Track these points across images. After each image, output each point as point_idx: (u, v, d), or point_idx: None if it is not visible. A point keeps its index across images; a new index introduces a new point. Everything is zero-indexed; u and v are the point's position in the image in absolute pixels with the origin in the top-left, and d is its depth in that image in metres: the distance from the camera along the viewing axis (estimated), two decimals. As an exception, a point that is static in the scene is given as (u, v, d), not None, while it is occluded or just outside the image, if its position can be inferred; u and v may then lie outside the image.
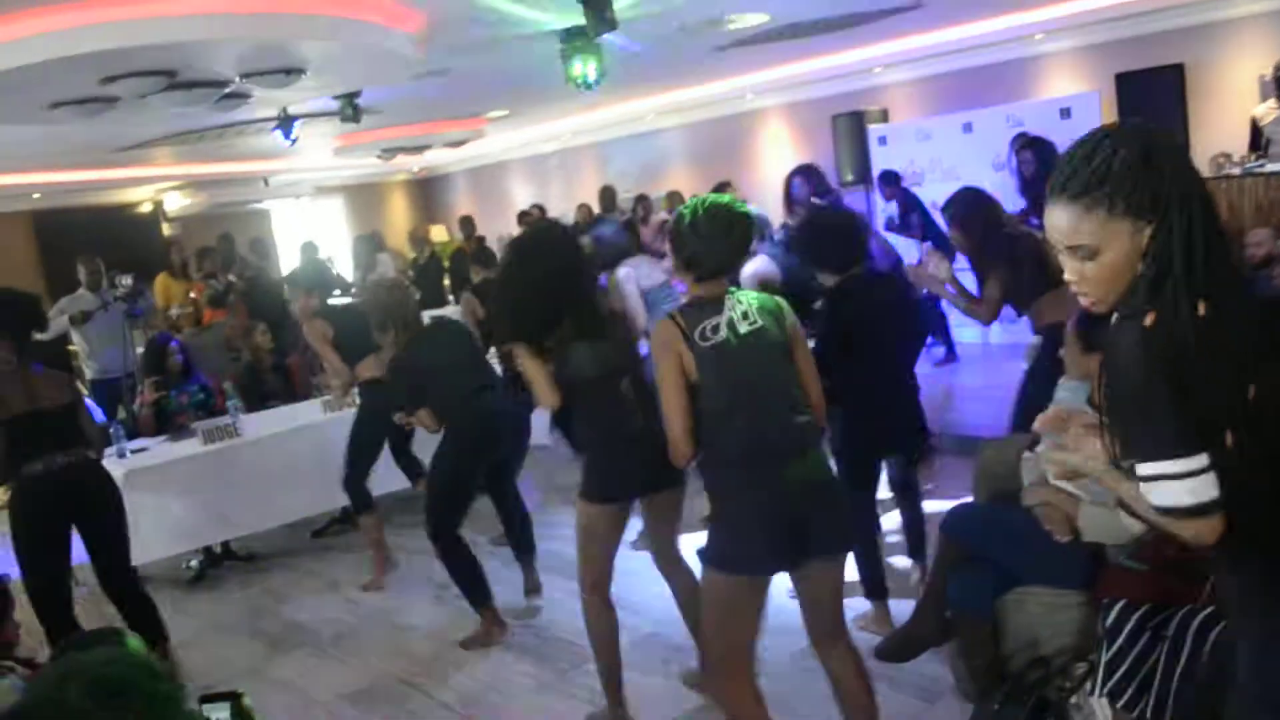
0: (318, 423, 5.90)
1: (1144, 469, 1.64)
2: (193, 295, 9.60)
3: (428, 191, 18.10)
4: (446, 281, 11.07)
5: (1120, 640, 2.58)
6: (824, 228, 4.15)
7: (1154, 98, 9.12)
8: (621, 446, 3.37)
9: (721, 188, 9.24)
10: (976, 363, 8.37)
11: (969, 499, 3.74)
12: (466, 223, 12.25)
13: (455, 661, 4.45)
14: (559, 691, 4.04)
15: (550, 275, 3.40)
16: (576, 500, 3.51)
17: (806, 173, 6.26)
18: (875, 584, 4.06)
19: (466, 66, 7.75)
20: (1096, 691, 2.60)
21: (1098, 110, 8.78)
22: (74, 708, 1.12)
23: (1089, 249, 1.67)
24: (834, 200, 6.33)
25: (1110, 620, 2.62)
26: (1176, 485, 1.60)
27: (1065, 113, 8.80)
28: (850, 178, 10.82)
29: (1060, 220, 1.69)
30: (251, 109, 7.45)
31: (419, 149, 12.46)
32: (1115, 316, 1.70)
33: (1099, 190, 1.64)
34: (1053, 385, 3.44)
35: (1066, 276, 1.74)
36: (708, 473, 2.81)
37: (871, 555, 4.05)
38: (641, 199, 11.39)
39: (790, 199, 6.30)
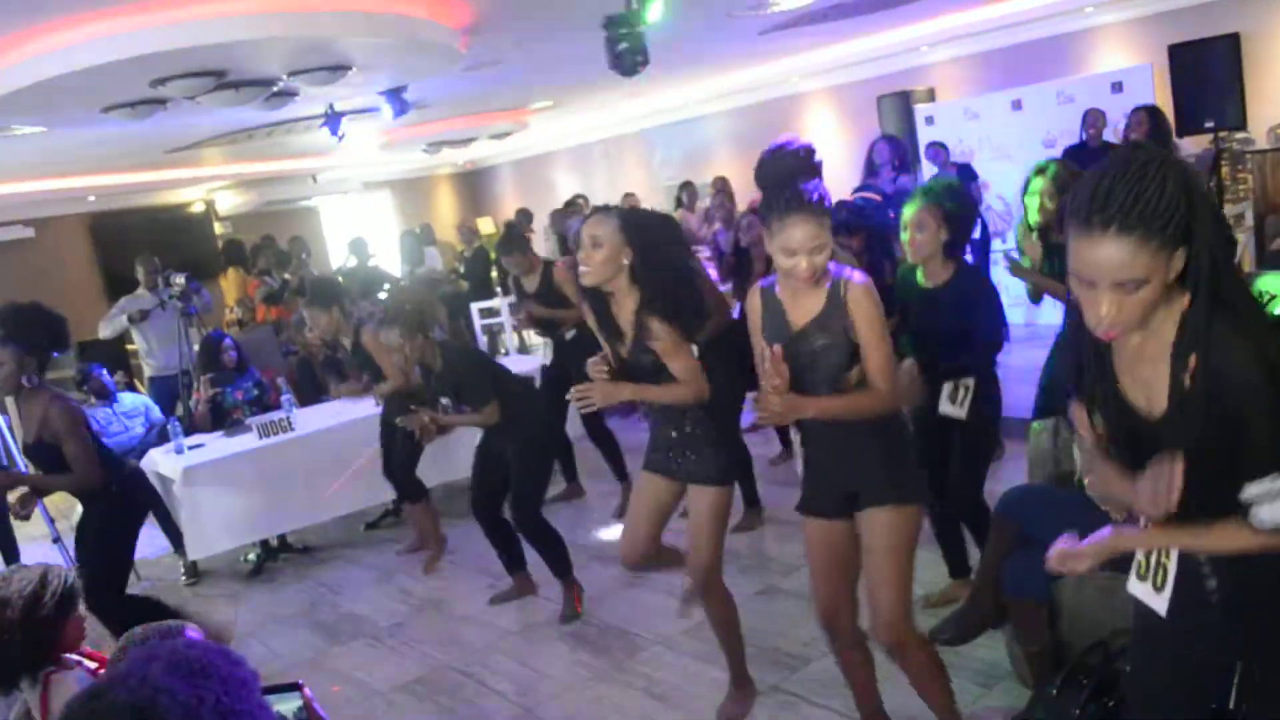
0: (370, 415, 5.96)
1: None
2: (248, 292, 9.77)
3: (474, 184, 18.18)
4: (494, 274, 11.13)
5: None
6: None
7: (1209, 69, 8.89)
8: None
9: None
10: (1022, 344, 8.22)
11: (1023, 482, 3.69)
12: (522, 214, 12.17)
13: (509, 651, 4.48)
14: (615, 681, 4.04)
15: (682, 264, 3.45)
16: (709, 490, 3.38)
17: (892, 141, 6.45)
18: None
19: (512, 59, 7.77)
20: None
21: (1150, 83, 8.59)
22: (158, 684, 1.14)
23: (1139, 281, 1.64)
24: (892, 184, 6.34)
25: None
26: None
27: (1117, 86, 8.62)
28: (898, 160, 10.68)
29: (1112, 254, 1.63)
30: (299, 106, 7.52)
31: (464, 142, 12.52)
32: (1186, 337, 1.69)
33: (1154, 224, 1.60)
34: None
35: (1103, 311, 1.68)
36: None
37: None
38: (686, 185, 11.36)
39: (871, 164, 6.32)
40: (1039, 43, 10.32)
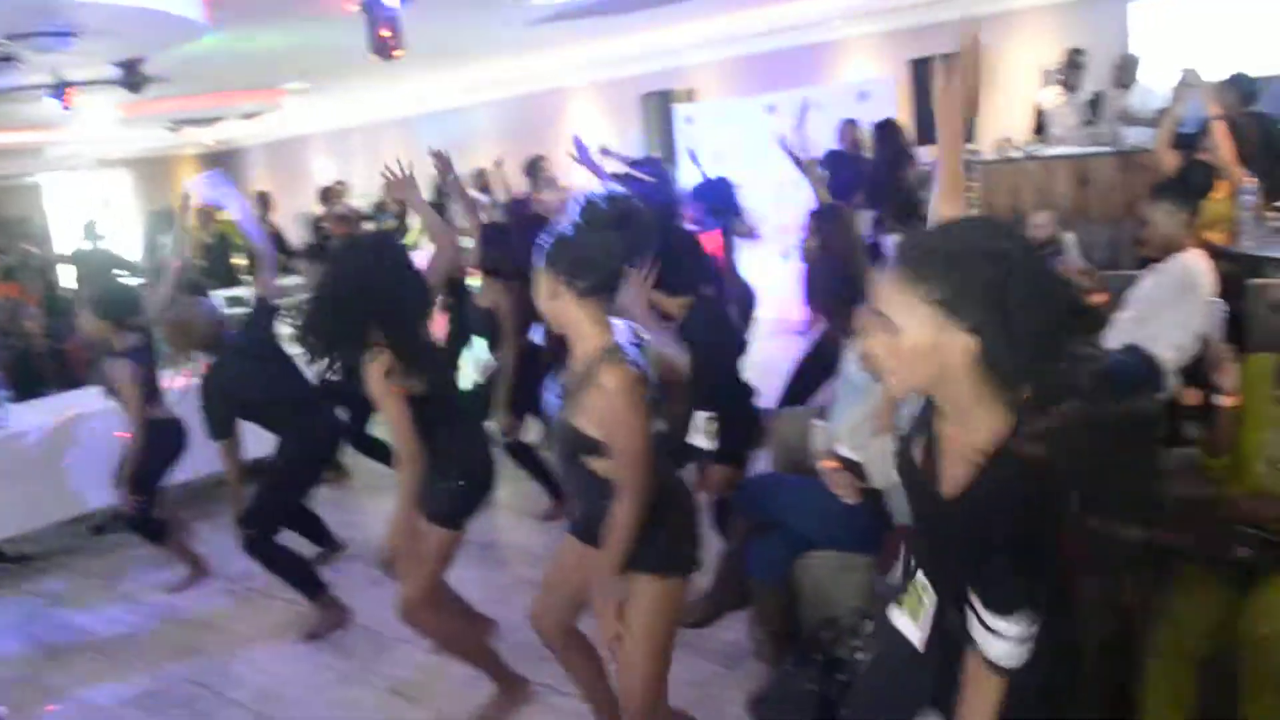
0: (95, 411, 5.49)
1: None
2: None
3: (222, 166, 17.23)
4: (244, 260, 10.52)
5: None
6: None
7: (944, 83, 9.52)
8: None
9: (534, 163, 9.15)
10: (772, 338, 8.54)
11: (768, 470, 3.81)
12: (263, 199, 11.65)
13: (248, 658, 4.24)
14: (361, 682, 3.89)
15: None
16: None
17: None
18: None
19: (263, 35, 7.38)
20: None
21: (893, 94, 9.11)
22: None
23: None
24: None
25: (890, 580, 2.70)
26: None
27: (863, 96, 9.10)
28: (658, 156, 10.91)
29: None
30: (21, 73, 6.88)
31: (211, 121, 11.85)
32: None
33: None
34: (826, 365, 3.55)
35: None
36: None
37: None
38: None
39: None
40: (792, 50, 10.78)
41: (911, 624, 1.84)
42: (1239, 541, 2.57)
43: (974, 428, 1.59)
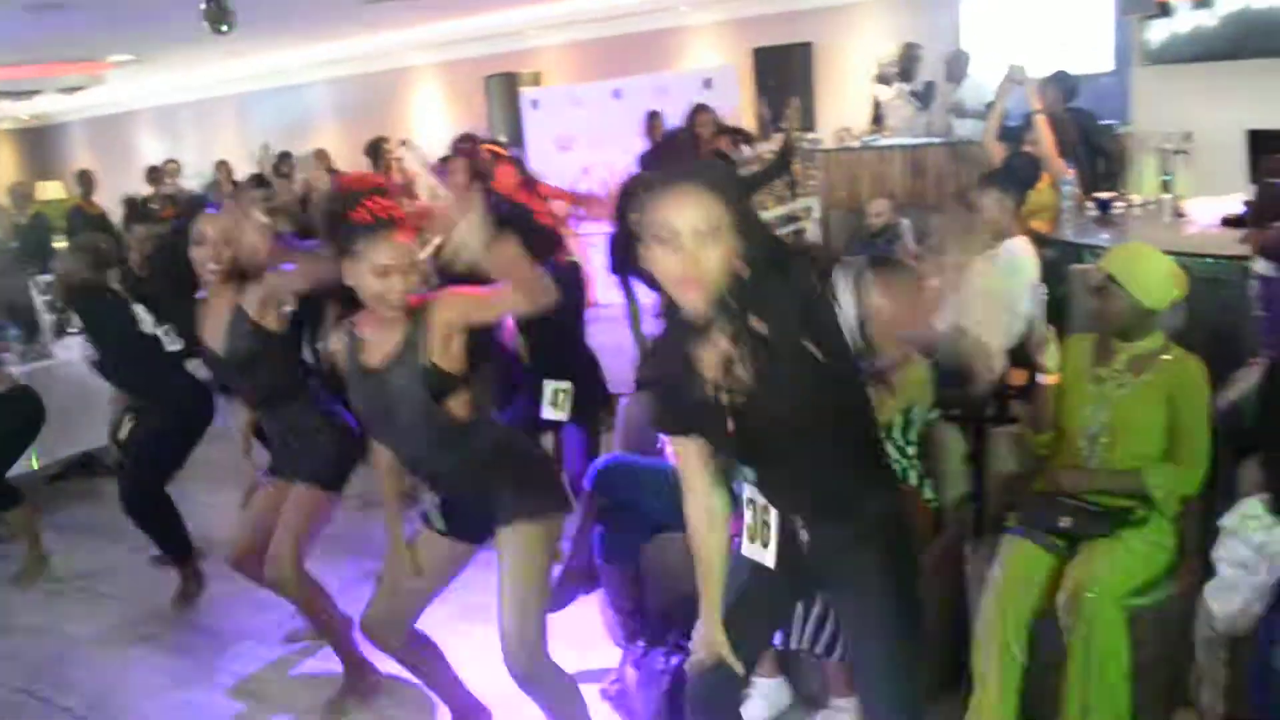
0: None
1: None
2: None
3: (40, 142, 16.30)
4: (63, 243, 9.93)
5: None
6: None
7: (787, 72, 9.77)
8: None
9: (375, 145, 8.94)
10: (605, 321, 8.56)
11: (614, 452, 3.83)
12: (84, 178, 10.99)
13: (79, 662, 4.02)
14: (202, 683, 3.75)
15: None
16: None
17: None
18: None
19: (84, 2, 6.98)
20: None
21: (737, 82, 9.26)
22: None
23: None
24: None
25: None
26: None
27: (708, 83, 9.21)
28: (504, 140, 10.79)
29: None
30: None
31: (27, 94, 11.14)
32: None
33: None
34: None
35: None
36: None
37: None
38: (285, 156, 10.80)
39: None
40: (639, 36, 10.84)
41: (761, 549, 2.05)
42: (1060, 512, 2.72)
43: None
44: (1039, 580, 2.64)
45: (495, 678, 2.76)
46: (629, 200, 1.85)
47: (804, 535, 2.02)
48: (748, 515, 2.10)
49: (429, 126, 11.81)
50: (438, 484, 2.72)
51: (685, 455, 2.07)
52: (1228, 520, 2.60)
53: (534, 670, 2.59)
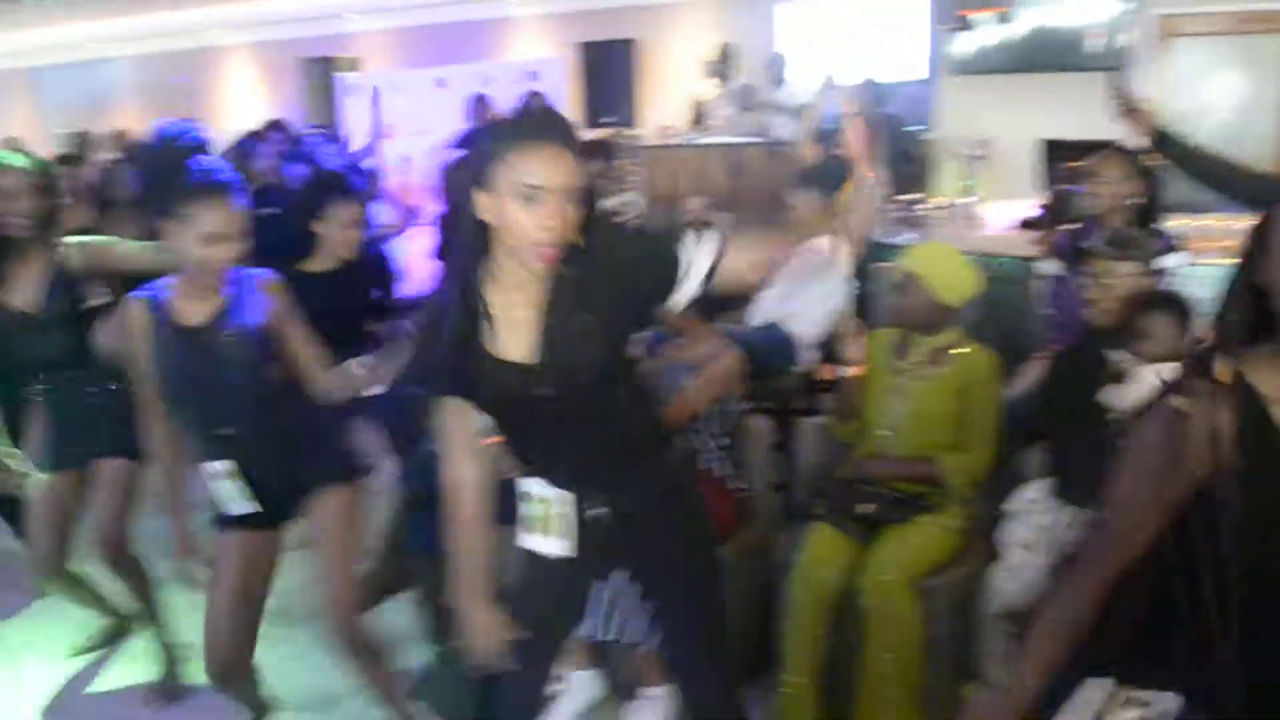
0: None
1: None
2: None
3: None
4: None
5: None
6: None
7: (611, 68, 9.82)
8: None
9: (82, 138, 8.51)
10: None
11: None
12: None
13: None
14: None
15: None
16: None
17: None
18: None
19: None
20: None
21: (563, 74, 9.25)
22: None
23: None
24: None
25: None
26: None
27: (533, 75, 9.16)
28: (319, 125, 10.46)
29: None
30: None
31: None
32: None
33: None
34: None
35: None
36: None
37: None
38: (83, 136, 10.18)
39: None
40: (463, 24, 10.69)
41: (545, 539, 2.03)
42: (861, 498, 2.83)
43: None
44: (840, 563, 2.74)
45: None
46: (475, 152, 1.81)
47: (604, 514, 1.99)
48: (528, 508, 2.05)
49: (240, 110, 11.33)
50: (247, 456, 2.55)
51: (455, 421, 2.00)
52: (1013, 504, 2.77)
53: (357, 634, 2.69)
